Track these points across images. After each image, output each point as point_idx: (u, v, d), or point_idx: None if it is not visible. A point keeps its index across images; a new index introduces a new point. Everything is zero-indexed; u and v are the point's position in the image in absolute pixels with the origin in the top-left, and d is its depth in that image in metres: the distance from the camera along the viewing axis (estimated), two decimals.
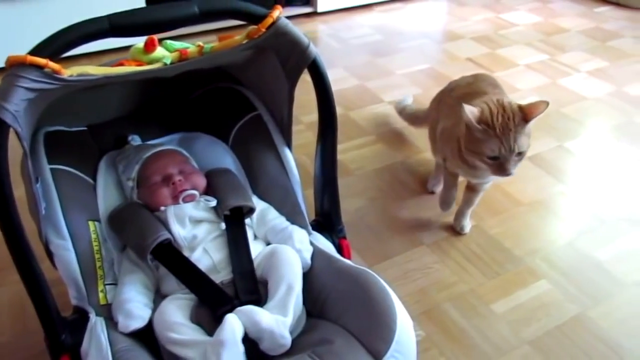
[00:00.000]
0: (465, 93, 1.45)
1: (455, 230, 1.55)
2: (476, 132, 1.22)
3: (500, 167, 1.25)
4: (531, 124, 1.22)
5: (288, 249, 1.00)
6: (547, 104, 1.20)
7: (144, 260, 0.97)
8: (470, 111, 1.20)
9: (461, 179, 1.52)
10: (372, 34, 2.80)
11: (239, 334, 0.83)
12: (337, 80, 2.35)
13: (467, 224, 1.54)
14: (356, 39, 2.75)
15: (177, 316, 0.90)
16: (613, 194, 1.70)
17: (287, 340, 0.86)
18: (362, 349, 0.85)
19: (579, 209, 1.64)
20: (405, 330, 0.86)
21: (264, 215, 1.10)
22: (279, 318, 0.87)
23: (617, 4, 3.17)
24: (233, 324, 0.83)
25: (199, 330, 0.89)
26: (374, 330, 0.86)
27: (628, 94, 2.25)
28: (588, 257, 1.47)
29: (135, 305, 0.93)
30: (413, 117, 1.92)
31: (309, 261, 1.02)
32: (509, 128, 1.20)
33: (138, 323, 0.91)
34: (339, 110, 2.12)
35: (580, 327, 1.27)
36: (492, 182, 1.47)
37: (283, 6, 2.84)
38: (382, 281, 0.92)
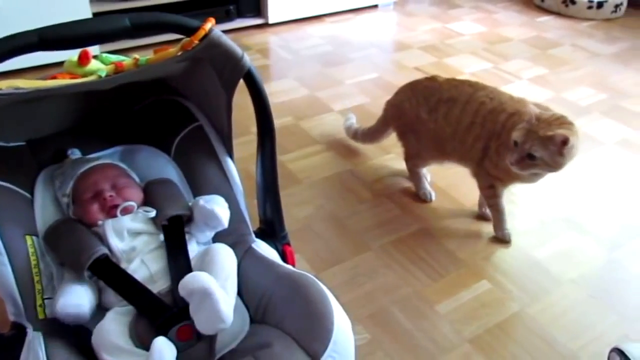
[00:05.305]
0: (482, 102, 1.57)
1: (504, 240, 1.58)
2: (525, 122, 1.36)
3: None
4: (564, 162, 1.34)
5: (221, 246, 1.02)
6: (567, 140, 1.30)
7: (82, 276, 0.97)
8: (533, 108, 1.35)
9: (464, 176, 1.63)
10: (323, 45, 2.84)
11: (170, 357, 0.83)
12: (288, 90, 2.38)
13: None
14: (307, 49, 2.78)
15: (114, 336, 0.89)
16: (552, 196, 1.77)
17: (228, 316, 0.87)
18: (301, 351, 0.87)
19: (520, 210, 1.70)
20: (343, 330, 0.89)
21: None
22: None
23: (558, 14, 3.29)
24: (161, 349, 0.83)
25: (134, 353, 0.87)
26: (312, 332, 0.88)
27: (566, 99, 2.35)
28: (527, 256, 1.52)
29: (77, 295, 0.93)
30: (368, 135, 1.90)
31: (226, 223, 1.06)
32: (538, 132, 1.31)
33: (77, 309, 0.91)
34: (289, 119, 2.17)
35: (519, 324, 1.31)
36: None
37: (234, 18, 2.86)
38: (320, 284, 0.94)
